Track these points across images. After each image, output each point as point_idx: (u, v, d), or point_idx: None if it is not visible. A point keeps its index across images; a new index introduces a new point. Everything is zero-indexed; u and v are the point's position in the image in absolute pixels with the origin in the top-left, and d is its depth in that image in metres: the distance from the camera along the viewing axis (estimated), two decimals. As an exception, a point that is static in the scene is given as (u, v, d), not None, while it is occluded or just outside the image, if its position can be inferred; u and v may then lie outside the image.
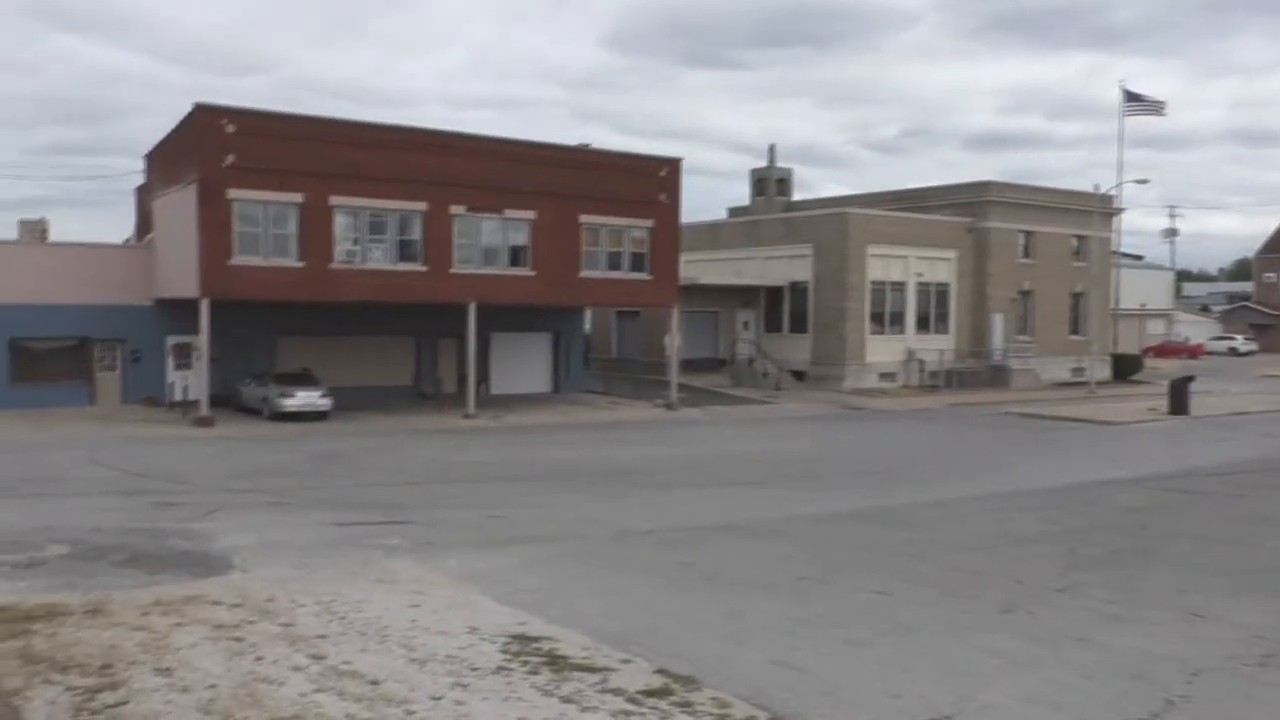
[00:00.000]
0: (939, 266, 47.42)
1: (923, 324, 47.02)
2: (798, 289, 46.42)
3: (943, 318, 47.86)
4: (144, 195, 38.08)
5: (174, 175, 31.89)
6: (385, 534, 14.07)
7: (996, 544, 14.45)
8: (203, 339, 29.48)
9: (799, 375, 45.33)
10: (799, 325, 46.33)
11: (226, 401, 31.98)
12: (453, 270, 33.00)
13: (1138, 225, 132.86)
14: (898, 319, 46.25)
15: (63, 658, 7.63)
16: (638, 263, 36.77)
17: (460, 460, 22.78)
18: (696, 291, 42.97)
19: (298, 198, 30.38)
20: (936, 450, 27.11)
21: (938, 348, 46.43)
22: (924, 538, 14.76)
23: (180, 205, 30.91)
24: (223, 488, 17.84)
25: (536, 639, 9.02)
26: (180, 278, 30.94)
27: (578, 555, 13.17)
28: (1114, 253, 56.41)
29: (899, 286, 46.19)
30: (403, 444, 25.57)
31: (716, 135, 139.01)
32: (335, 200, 30.93)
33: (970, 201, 48.58)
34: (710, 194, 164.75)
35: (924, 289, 46.93)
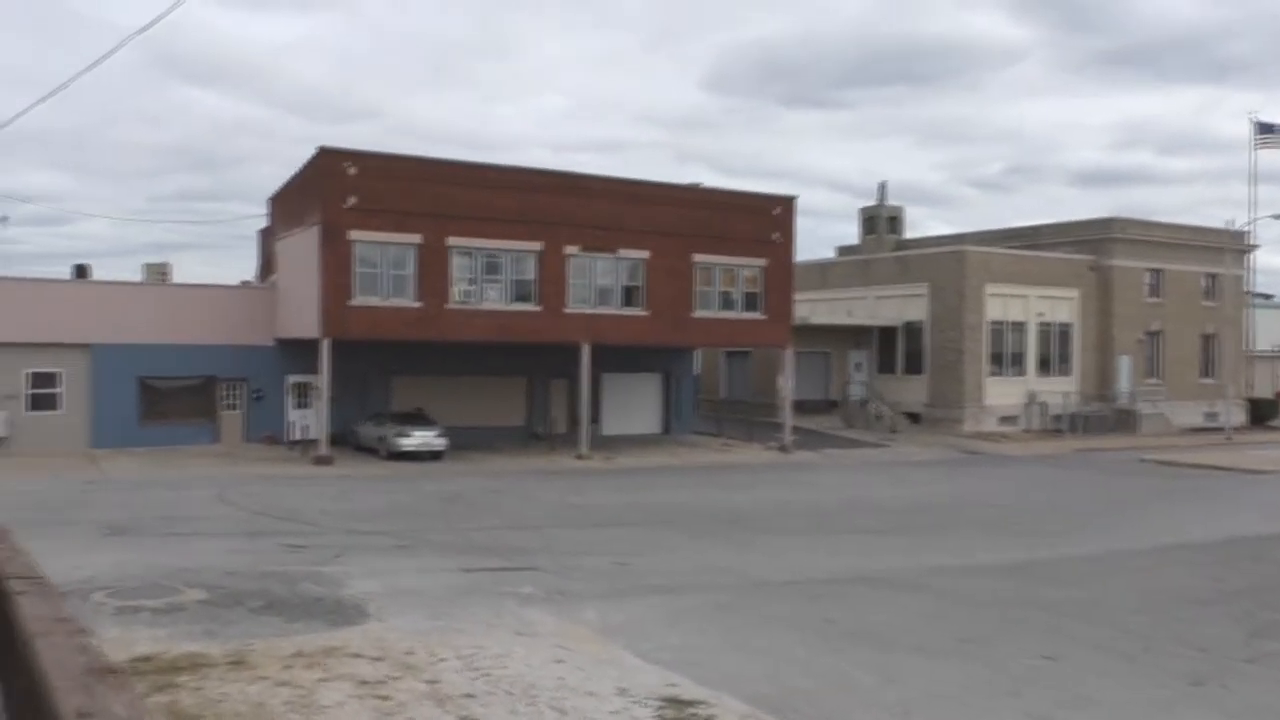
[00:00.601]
0: (1060, 306, 45.79)
1: (1044, 365, 45.38)
2: (912, 329, 45.28)
3: (1065, 359, 46.13)
4: (267, 237, 39.05)
5: (296, 217, 32.58)
6: (514, 581, 13.71)
7: (1164, 603, 13.42)
8: (323, 379, 29.86)
9: (914, 418, 44.10)
10: (914, 366, 45.13)
11: (344, 440, 32.31)
12: (566, 310, 32.95)
13: (1272, 264, 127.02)
14: (1018, 360, 44.71)
15: (211, 716, 7.38)
16: (751, 302, 36.26)
17: (578, 503, 22.42)
18: (807, 332, 42.19)
19: (416, 239, 30.71)
20: (1072, 498, 25.81)
21: (1060, 390, 44.71)
22: (1082, 596, 13.80)
23: (302, 247, 31.52)
24: (347, 529, 17.76)
25: (691, 703, 8.49)
26: (301, 318, 31.48)
27: (716, 608, 12.60)
28: (1247, 292, 53.80)
29: (1019, 326, 44.69)
30: (519, 485, 25.35)
31: (814, 175, 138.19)
32: (452, 241, 31.20)
33: (1092, 239, 46.92)
34: (809, 233, 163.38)
35: (1045, 329, 45.34)
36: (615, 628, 11.35)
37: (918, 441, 39.76)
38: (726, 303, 35.92)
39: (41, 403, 31.38)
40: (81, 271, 39.43)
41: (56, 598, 3.65)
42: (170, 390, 33.48)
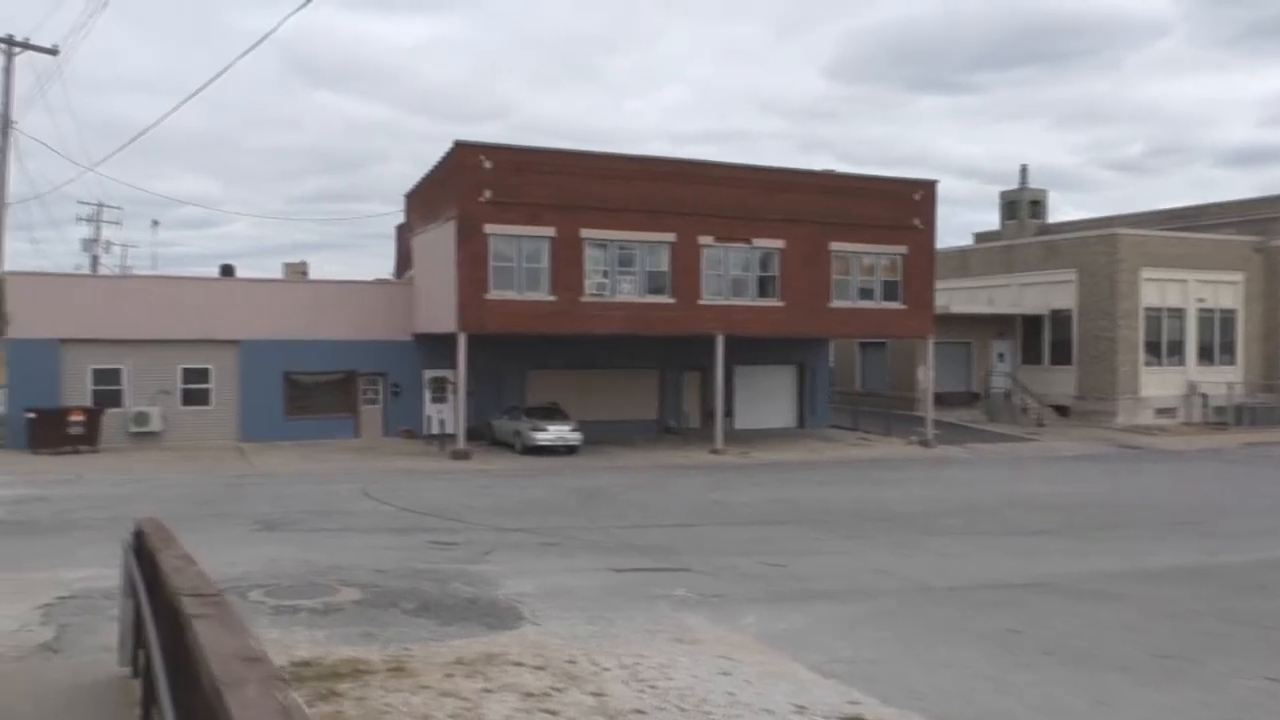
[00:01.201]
0: (1223, 291, 43.04)
1: (1205, 354, 42.75)
2: (1059, 317, 43.20)
3: (1228, 347, 43.38)
4: (403, 234, 39.55)
5: (433, 213, 32.78)
6: (666, 583, 13.17)
7: (1391, 620, 12.05)
8: (460, 373, 29.93)
9: (1061, 410, 42.08)
10: (1061, 356, 43.05)
11: (479, 434, 32.37)
12: (701, 301, 32.36)
13: None
14: (1176, 349, 42.20)
15: (377, 728, 7.02)
16: (890, 291, 35.04)
17: (720, 500, 21.79)
18: (947, 321, 40.58)
19: (550, 231, 30.53)
20: (1248, 495, 23.98)
21: (1223, 380, 42.02)
22: (1290, 608, 12.52)
23: (439, 242, 31.69)
24: (492, 526, 17.52)
25: (880, 726, 7.76)
26: (438, 313, 31.66)
27: (884, 616, 11.80)
28: None
29: (1177, 313, 42.18)
30: (657, 481, 24.86)
31: (944, 161, 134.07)
32: (586, 233, 30.92)
33: (1258, 219, 43.97)
34: (940, 220, 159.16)
35: (1206, 316, 42.68)
36: (780, 636, 10.68)
37: (1068, 435, 37.84)
38: (865, 292, 34.78)
39: (193, 398, 32.34)
40: (227, 271, 40.56)
41: (239, 625, 3.21)
42: (313, 385, 34.15)
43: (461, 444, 29.86)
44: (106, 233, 62.05)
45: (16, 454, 28.69)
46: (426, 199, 34.27)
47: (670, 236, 31.94)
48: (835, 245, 33.95)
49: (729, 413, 37.66)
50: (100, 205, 61.08)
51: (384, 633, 9.76)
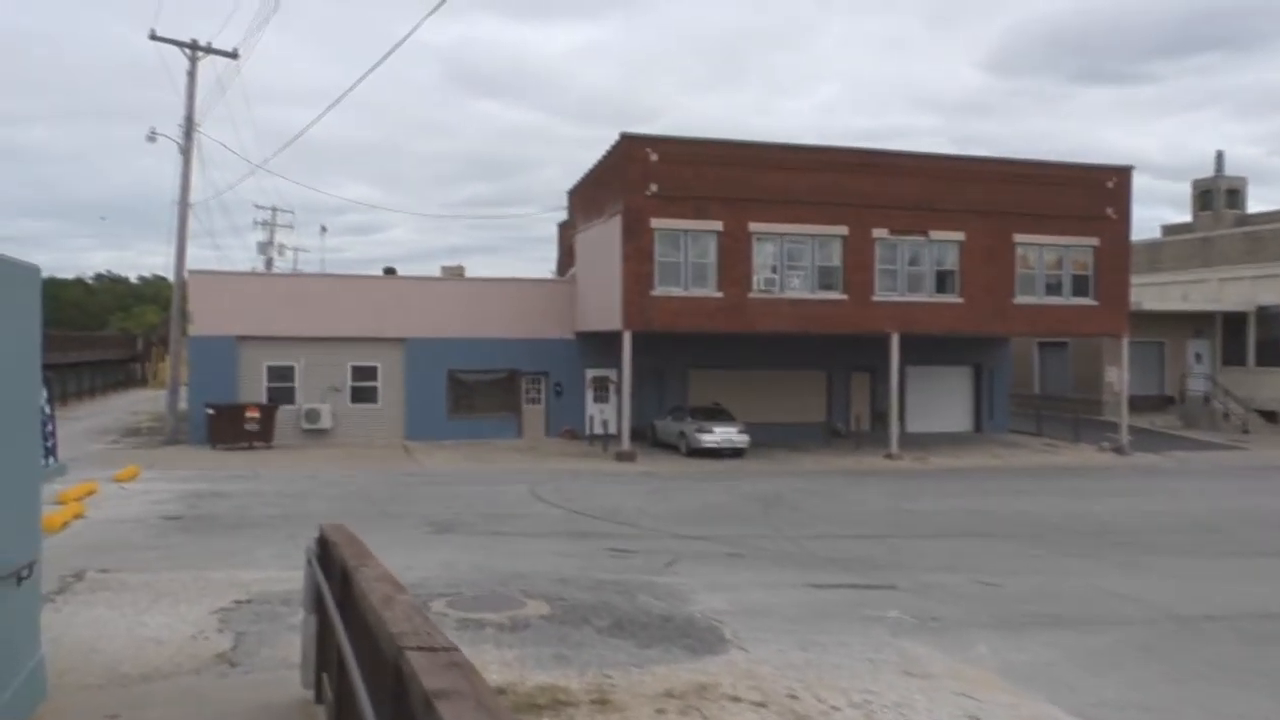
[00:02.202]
0: None
1: None
2: (1267, 315, 39.61)
3: None
4: (565, 231, 39.14)
5: (597, 208, 32.11)
6: (874, 602, 11.84)
7: None
8: (625, 372, 29.13)
9: (1269, 416, 38.55)
10: (1269, 357, 39.44)
11: (641, 435, 31.50)
12: (874, 298, 30.70)
13: None
14: (1404, 349, 38.08)
15: (590, 776, 6.01)
16: (1079, 286, 32.59)
17: (909, 509, 20.22)
18: (1138, 319, 37.54)
19: (717, 225, 29.44)
20: None
21: None
22: None
23: (603, 238, 30.99)
24: (670, 532, 16.49)
25: (1193, 799, 6.31)
26: (602, 311, 30.96)
27: (1140, 649, 10.19)
28: None
29: (1406, 310, 38.05)
30: (835, 488, 23.41)
31: (1110, 155, 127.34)
32: (754, 227, 29.69)
33: None
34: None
35: None
36: (1022, 670, 9.25)
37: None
38: (1051, 287, 32.43)
39: (361, 395, 32.56)
40: (390, 273, 40.99)
41: (498, 703, 2.18)
42: (476, 384, 33.97)
43: (626, 445, 29.05)
44: (280, 236, 64.28)
45: (197, 449, 29.32)
46: (590, 195, 33.65)
47: (842, 230, 30.42)
48: (1020, 237, 31.76)
49: (900, 416, 35.82)
50: (275, 209, 63.33)
51: (579, 655, 8.78)
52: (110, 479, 21.34)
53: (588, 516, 17.87)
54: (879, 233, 30.69)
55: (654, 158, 28.94)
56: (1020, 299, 32.00)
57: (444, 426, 32.90)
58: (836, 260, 30.59)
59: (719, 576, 12.99)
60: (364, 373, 32.66)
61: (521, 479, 23.15)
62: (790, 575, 13.33)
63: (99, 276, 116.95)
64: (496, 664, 8.29)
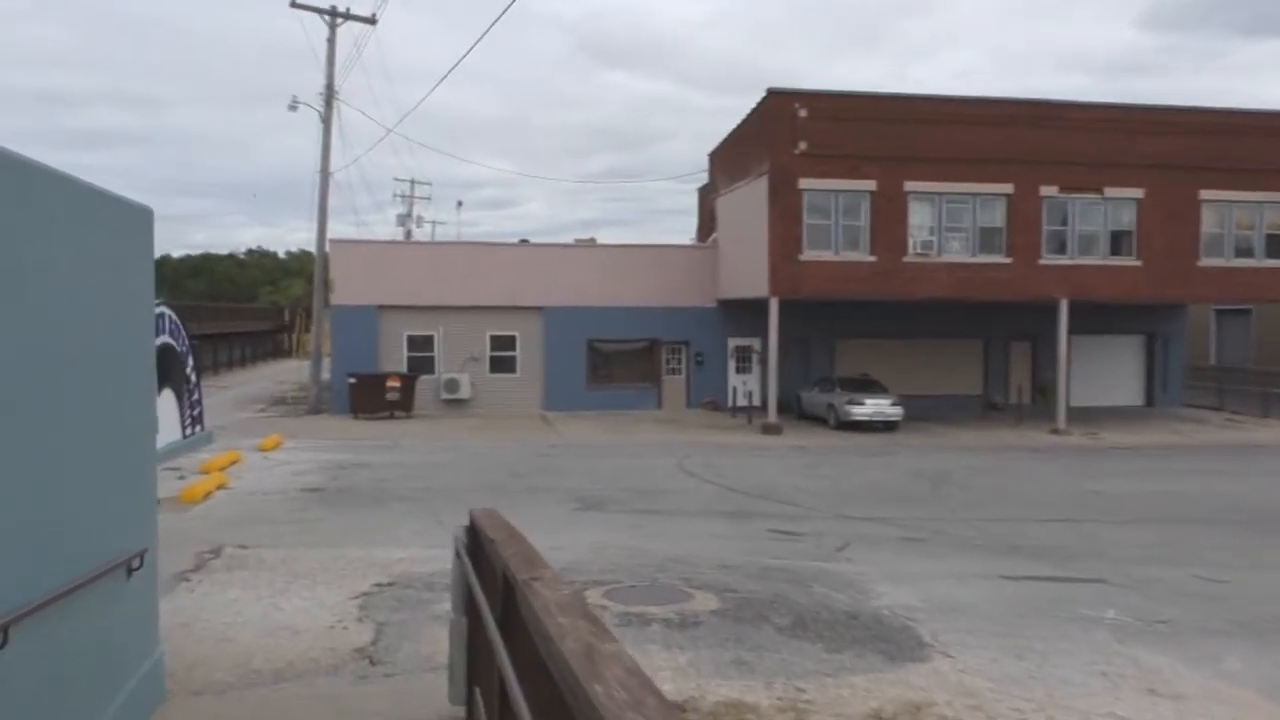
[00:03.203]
0: None
1: None
2: None
3: None
4: (706, 196, 37.82)
5: (741, 169, 30.69)
6: (1084, 598, 10.29)
7: None
8: (772, 341, 27.74)
9: None
10: None
11: (786, 407, 30.08)
12: (1041, 261, 28.49)
13: None
14: None
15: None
16: (1274, 247, 29.61)
17: (1094, 490, 18.33)
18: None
19: (871, 185, 27.68)
20: None
21: None
22: None
23: (747, 200, 29.58)
24: (834, 512, 15.14)
25: None
26: (746, 277, 29.60)
27: None
28: None
29: None
30: (1005, 465, 21.59)
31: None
32: (910, 186, 27.82)
33: None
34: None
35: None
36: (1292, 693, 7.66)
37: None
38: (1243, 250, 29.55)
39: (500, 365, 32.04)
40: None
41: None
42: (615, 353, 33.07)
43: (772, 417, 27.72)
44: (417, 209, 64.82)
45: (339, 419, 29.27)
46: (733, 155, 32.21)
47: (1007, 188, 28.27)
48: (1207, 194, 28.99)
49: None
50: (413, 181, 63.86)
51: (761, 660, 7.59)
52: (254, 448, 21.16)
53: (742, 493, 16.66)
54: (1047, 190, 28.42)
55: (803, 114, 27.34)
56: (1207, 261, 29.27)
57: (582, 397, 32.15)
58: (1000, 221, 28.46)
59: (898, 564, 11.60)
60: (502, 342, 32.12)
61: (666, 452, 22.09)
62: (977, 564, 11.85)
63: (250, 252, 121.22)
64: (669, 670, 7.17)
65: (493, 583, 4.38)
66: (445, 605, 8.72)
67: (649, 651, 7.51)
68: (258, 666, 7.24)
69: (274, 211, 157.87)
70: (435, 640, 7.76)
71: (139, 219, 5.71)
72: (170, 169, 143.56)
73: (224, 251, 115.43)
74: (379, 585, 9.73)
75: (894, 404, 28.30)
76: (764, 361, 31.21)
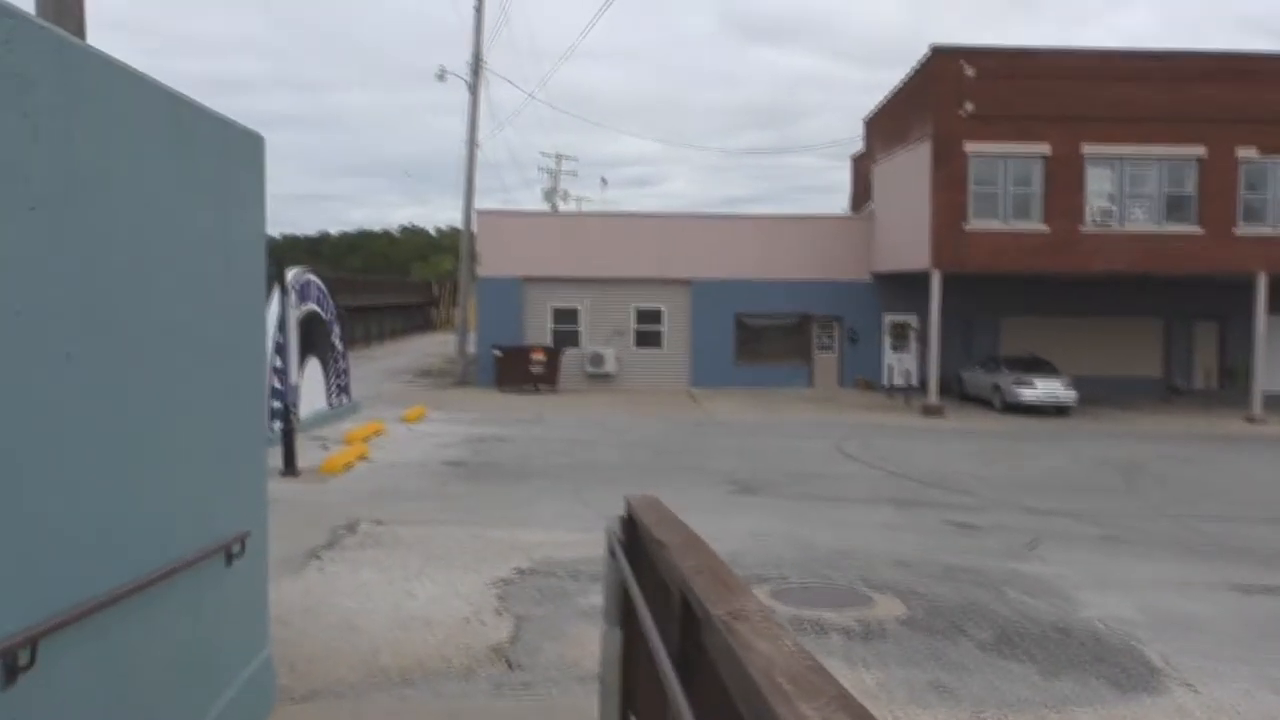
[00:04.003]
0: None
1: None
2: None
3: None
4: (860, 164, 36.06)
5: (900, 134, 28.91)
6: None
7: None
8: (933, 317, 26.00)
9: None
10: None
11: (945, 388, 28.26)
12: (1236, 232, 25.87)
13: None
14: None
15: None
16: None
17: (1312, 485, 16.24)
18: None
19: (1044, 149, 25.60)
20: None
21: None
22: None
23: (907, 167, 27.82)
24: (1016, 504, 13.65)
25: None
26: (904, 249, 27.89)
27: None
28: None
29: None
30: (1204, 455, 19.49)
31: None
32: (1088, 149, 25.60)
33: None
34: None
35: None
36: None
37: None
38: None
39: (646, 339, 31.19)
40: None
41: None
42: (765, 329, 31.80)
43: (933, 398, 26.05)
44: (564, 184, 64.63)
45: (484, 391, 28.96)
46: (891, 120, 30.42)
47: (1198, 150, 25.74)
48: None
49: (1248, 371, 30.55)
50: (559, 156, 63.66)
51: (964, 684, 6.38)
52: (398, 419, 20.83)
53: (910, 480, 15.29)
54: (1244, 152, 25.76)
55: (969, 72, 25.42)
56: None
57: (730, 373, 31.02)
58: (1190, 187, 25.96)
59: (1102, 567, 10.13)
60: (648, 316, 31.24)
61: (821, 433, 20.80)
62: (1199, 570, 10.26)
63: (403, 229, 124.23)
64: (856, 693, 6.04)
65: (663, 601, 3.35)
66: (592, 599, 7.80)
67: (831, 668, 6.39)
68: (384, 664, 6.45)
69: (427, 190, 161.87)
70: (581, 642, 6.83)
71: (250, 147, 4.89)
72: (332, 151, 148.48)
73: (379, 229, 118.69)
74: (519, 571, 8.89)
75: (1067, 386, 26.23)
76: (923, 339, 29.45)
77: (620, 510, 4.75)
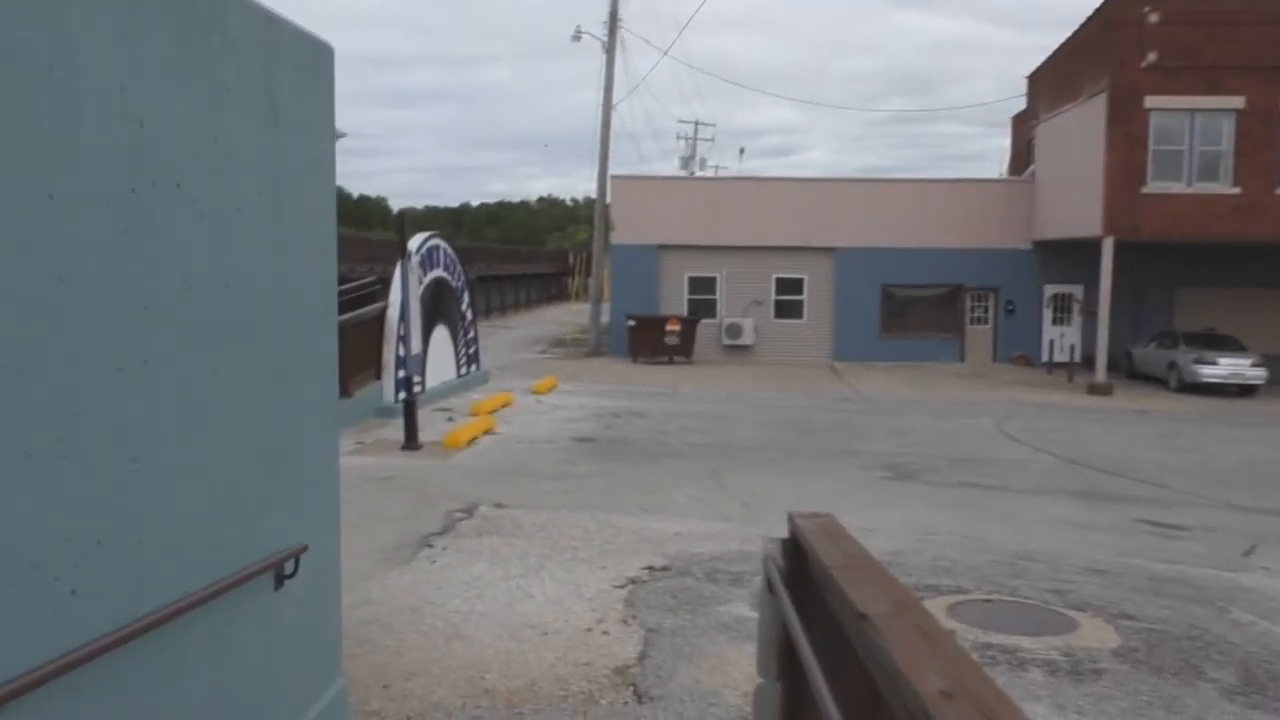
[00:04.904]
0: None
1: None
2: None
3: None
4: (1020, 125, 33.65)
5: (1069, 90, 26.58)
6: None
7: None
8: (1104, 288, 23.85)
9: None
10: None
11: (1111, 364, 25.94)
12: None
13: None
14: None
15: None
16: None
17: None
18: None
19: (1237, 103, 23.06)
20: None
21: None
22: None
23: (1077, 125, 25.56)
24: (1216, 498, 11.91)
25: None
26: (1071, 214, 25.68)
27: None
28: None
29: None
30: None
31: None
32: (1289, 102, 22.93)
33: None
34: None
35: None
36: None
37: None
38: None
39: (785, 310, 29.79)
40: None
41: None
42: (913, 299, 29.97)
43: (1101, 376, 23.94)
44: (701, 152, 63.19)
45: (617, 362, 28.11)
46: (1060, 75, 28.05)
47: None
48: None
49: None
50: (697, 123, 62.26)
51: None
52: (528, 390, 20.08)
53: (1087, 467, 13.63)
54: None
55: (1153, 18, 23.02)
56: None
57: (875, 346, 29.35)
58: None
59: (1343, 585, 8.46)
60: (789, 285, 29.79)
61: (979, 412, 19.13)
62: None
63: (541, 200, 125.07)
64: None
65: (857, 683, 2.20)
66: (733, 608, 6.69)
67: (1037, 717, 5.10)
68: (490, 685, 5.47)
69: (564, 163, 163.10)
70: (722, 666, 5.73)
71: (319, 59, 3.89)
72: (475, 124, 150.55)
73: (518, 200, 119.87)
74: (650, 569, 7.82)
75: (1255, 364, 23.75)
76: (1089, 311, 27.19)
77: (775, 517, 3.64)
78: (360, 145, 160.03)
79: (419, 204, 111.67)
